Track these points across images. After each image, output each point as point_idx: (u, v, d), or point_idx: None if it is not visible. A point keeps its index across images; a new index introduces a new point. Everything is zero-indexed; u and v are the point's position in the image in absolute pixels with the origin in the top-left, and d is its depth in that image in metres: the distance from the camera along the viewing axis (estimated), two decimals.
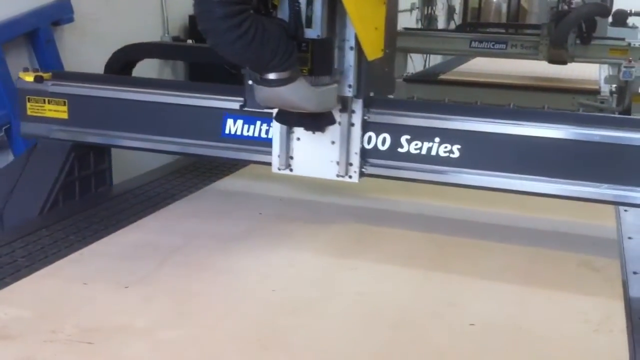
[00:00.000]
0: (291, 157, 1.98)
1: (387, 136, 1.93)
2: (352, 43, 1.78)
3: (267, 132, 2.07)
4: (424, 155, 1.92)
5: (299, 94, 1.69)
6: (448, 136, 1.90)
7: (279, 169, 2.01)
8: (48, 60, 2.91)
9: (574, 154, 1.81)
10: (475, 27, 8.22)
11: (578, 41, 5.17)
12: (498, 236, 2.04)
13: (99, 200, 2.29)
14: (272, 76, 1.64)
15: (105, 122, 2.26)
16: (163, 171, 2.62)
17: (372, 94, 1.92)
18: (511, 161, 1.86)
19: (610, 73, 5.63)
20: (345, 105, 1.88)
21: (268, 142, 2.04)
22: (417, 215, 2.22)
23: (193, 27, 3.89)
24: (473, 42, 5.76)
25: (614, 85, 5.31)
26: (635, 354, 1.38)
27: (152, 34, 3.69)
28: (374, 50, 1.80)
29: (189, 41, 3.83)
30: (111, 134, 2.27)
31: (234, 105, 2.08)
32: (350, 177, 1.94)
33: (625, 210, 2.24)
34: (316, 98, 1.74)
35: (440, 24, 9.73)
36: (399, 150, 1.93)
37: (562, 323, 1.54)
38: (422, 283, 1.74)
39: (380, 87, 1.94)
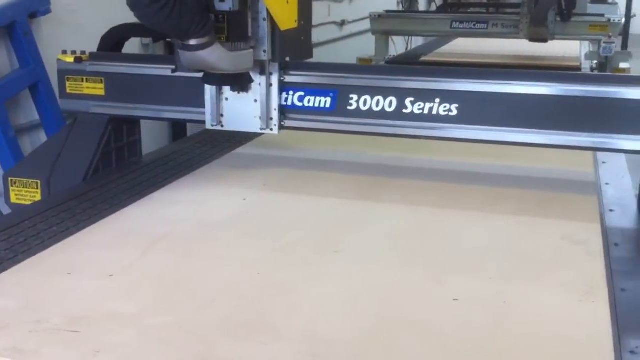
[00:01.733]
0: (222, 115, 2.29)
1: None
2: (265, 15, 2.07)
3: (286, 100, 2.32)
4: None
5: (215, 56, 2.00)
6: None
7: (212, 126, 2.32)
8: (26, 52, 2.91)
9: (557, 107, 2.07)
10: (456, 7, 8.25)
11: (558, 19, 5.20)
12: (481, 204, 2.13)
13: (76, 192, 2.32)
14: (192, 42, 1.97)
15: (138, 96, 2.53)
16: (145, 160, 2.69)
17: (288, 59, 2.19)
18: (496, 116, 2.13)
19: (591, 49, 5.68)
20: (263, 68, 2.20)
21: (288, 109, 2.33)
22: (401, 190, 2.29)
23: None
24: (454, 23, 5.78)
25: (595, 62, 5.36)
26: (617, 323, 1.43)
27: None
28: (286, 21, 2.09)
29: None
30: (142, 107, 2.54)
31: None
32: (271, 129, 2.28)
33: (607, 184, 2.37)
34: (231, 60, 2.04)
35: (422, 5, 9.75)
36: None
37: (546, 295, 1.57)
38: (406, 260, 1.78)
39: (297, 54, 2.23)
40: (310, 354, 1.34)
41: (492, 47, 5.92)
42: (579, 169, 2.43)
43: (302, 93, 2.27)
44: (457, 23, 5.79)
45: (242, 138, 2.82)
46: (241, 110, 2.27)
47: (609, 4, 8.58)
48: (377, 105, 2.18)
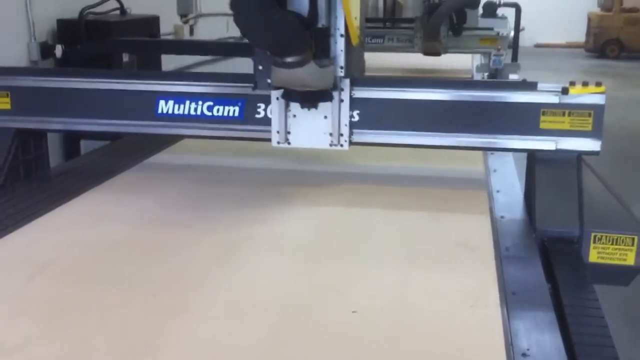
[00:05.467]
0: (288, 132, 2.34)
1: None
2: (342, 31, 2.19)
3: (195, 109, 2.45)
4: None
5: (309, 73, 2.10)
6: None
7: (279, 143, 2.37)
8: None
9: (450, 111, 2.31)
10: None
11: (450, 33, 5.57)
12: (380, 218, 2.24)
13: None
14: (290, 59, 2.04)
15: (45, 109, 2.57)
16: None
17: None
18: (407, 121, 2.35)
19: (482, 62, 6.11)
20: (335, 84, 2.27)
21: (198, 118, 2.46)
22: (297, 200, 2.39)
23: (63, 31, 3.96)
24: None
25: (486, 74, 5.78)
26: (509, 325, 1.56)
27: (15, 39, 3.70)
28: (355, 37, 2.21)
29: (58, 46, 3.89)
30: (49, 120, 2.59)
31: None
32: (341, 145, 2.34)
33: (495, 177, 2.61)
34: (322, 77, 2.15)
35: None
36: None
37: (441, 301, 1.66)
38: (304, 272, 1.83)
39: (358, 70, 2.38)
40: None
41: (388, 61, 6.23)
42: (472, 177, 2.59)
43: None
44: None
45: (135, 156, 2.85)
46: (310, 127, 2.32)
47: (499, 18, 9.13)
48: None
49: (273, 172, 2.71)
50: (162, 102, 2.47)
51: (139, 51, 4.36)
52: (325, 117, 2.31)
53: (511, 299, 1.67)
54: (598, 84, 2.20)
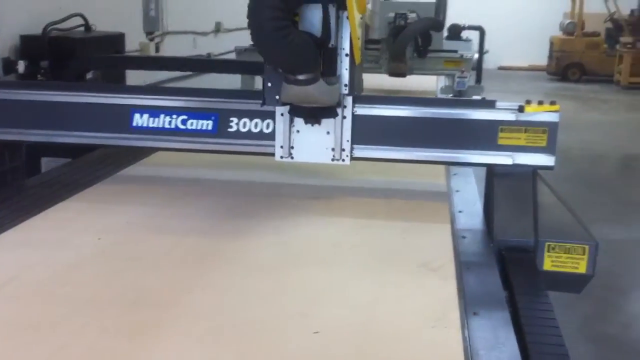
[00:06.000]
0: (292, 147, 2.45)
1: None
2: (347, 51, 2.31)
3: (169, 122, 2.55)
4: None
5: (319, 90, 2.23)
6: None
7: (282, 157, 2.47)
8: None
9: (417, 127, 2.45)
10: None
11: (415, 54, 5.74)
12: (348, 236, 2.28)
13: None
14: (302, 77, 2.17)
15: (21, 121, 2.65)
16: None
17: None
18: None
19: (446, 83, 6.29)
20: (339, 101, 2.40)
21: (172, 131, 2.56)
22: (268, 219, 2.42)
23: (26, 47, 3.99)
24: None
25: (450, 95, 5.95)
26: (469, 345, 1.62)
27: None
28: (358, 56, 2.35)
29: (21, 62, 3.90)
30: (26, 132, 2.66)
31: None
32: (343, 160, 2.45)
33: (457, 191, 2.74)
34: (330, 94, 2.28)
35: None
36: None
37: (403, 323, 1.69)
38: (268, 294, 1.84)
39: (358, 88, 2.51)
40: None
41: None
42: (435, 198, 2.65)
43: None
44: None
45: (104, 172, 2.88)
46: (313, 142, 2.44)
47: (463, 40, 9.37)
48: None
49: (243, 185, 2.79)
50: (137, 115, 2.55)
51: (133, 67, 4.42)
52: (328, 132, 2.42)
53: (472, 319, 1.73)
54: (552, 103, 2.35)
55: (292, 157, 2.47)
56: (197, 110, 2.53)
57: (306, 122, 2.40)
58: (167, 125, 2.54)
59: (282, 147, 2.46)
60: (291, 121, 2.43)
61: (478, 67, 8.80)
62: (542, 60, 21.33)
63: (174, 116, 2.52)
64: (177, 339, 1.59)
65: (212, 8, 8.95)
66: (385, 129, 2.47)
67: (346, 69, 2.33)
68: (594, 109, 15.12)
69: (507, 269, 2.09)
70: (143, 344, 1.56)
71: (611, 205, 8.06)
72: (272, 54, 2.13)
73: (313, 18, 2.18)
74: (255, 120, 2.48)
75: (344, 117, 2.41)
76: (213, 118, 2.50)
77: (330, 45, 2.27)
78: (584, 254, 2.15)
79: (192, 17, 8.28)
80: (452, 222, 2.42)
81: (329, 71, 2.28)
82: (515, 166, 2.35)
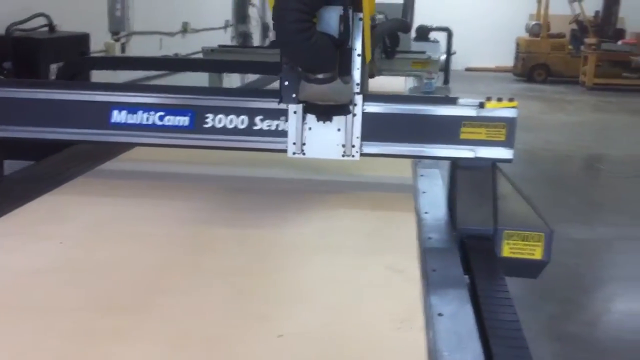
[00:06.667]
0: (304, 144, 2.56)
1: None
2: (359, 51, 2.43)
3: (147, 119, 2.66)
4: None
5: (337, 89, 2.37)
6: None
7: (294, 154, 2.58)
8: None
9: (385, 123, 2.58)
10: None
11: (383, 55, 5.90)
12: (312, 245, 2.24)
13: None
14: (321, 76, 2.29)
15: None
16: None
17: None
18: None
19: (414, 84, 6.47)
20: (351, 99, 2.52)
21: (150, 127, 2.66)
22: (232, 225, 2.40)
23: None
24: None
25: None
26: (434, 347, 1.64)
27: None
28: (368, 56, 2.49)
29: None
30: (5, 129, 2.74)
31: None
32: (353, 156, 2.57)
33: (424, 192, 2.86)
34: (346, 92, 2.42)
35: (256, 40, 10.34)
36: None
37: (368, 325, 1.68)
38: (233, 299, 1.81)
39: (365, 85, 2.63)
40: None
41: None
42: (401, 201, 2.67)
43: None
44: None
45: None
46: (324, 139, 2.55)
47: (431, 42, 9.60)
48: None
49: (209, 179, 2.87)
50: (115, 112, 2.67)
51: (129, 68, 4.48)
52: (339, 129, 2.54)
53: (437, 320, 1.77)
54: (511, 100, 2.53)
55: (304, 154, 2.58)
56: (174, 107, 2.65)
57: (318, 120, 2.52)
58: (144, 122, 2.65)
59: (294, 143, 2.57)
60: (304, 119, 2.55)
61: (446, 68, 9.03)
62: (508, 61, 21.75)
63: (152, 112, 2.64)
64: (142, 345, 1.56)
65: (179, 8, 9.03)
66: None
67: (358, 69, 2.45)
68: (559, 110, 15.47)
69: (468, 255, 2.26)
70: (107, 351, 1.53)
71: (576, 206, 8.31)
72: (296, 54, 2.25)
73: (330, 19, 2.28)
74: (231, 116, 2.62)
75: (354, 115, 2.53)
76: (189, 114, 2.63)
77: (347, 46, 2.39)
78: (539, 242, 2.32)
79: (159, 17, 8.34)
80: (419, 222, 2.48)
81: (344, 70, 2.40)
82: (477, 159, 2.50)
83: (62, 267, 1.98)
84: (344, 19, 2.30)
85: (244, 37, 9.33)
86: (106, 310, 1.72)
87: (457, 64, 18.98)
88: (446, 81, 8.89)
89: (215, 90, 2.87)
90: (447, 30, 8.88)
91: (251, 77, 8.75)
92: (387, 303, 1.79)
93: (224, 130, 2.63)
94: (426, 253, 2.22)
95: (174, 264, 2.03)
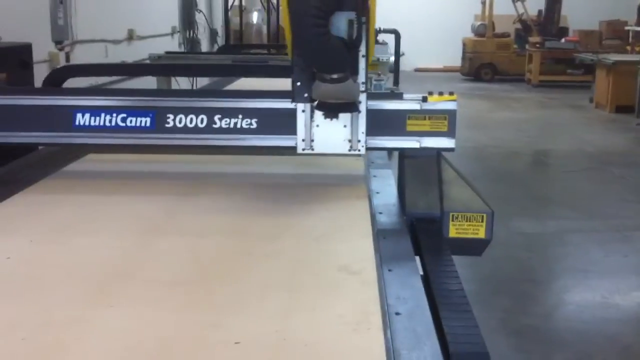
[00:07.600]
0: (312, 140, 2.75)
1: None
2: (364, 52, 2.62)
3: (110, 121, 2.81)
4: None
5: (349, 88, 2.54)
6: None
7: (303, 150, 2.76)
8: None
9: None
10: (238, 48, 9.04)
11: None
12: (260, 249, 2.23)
13: None
14: (335, 76, 2.48)
15: None
16: None
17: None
18: None
19: None
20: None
21: (113, 129, 2.81)
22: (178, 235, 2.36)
23: None
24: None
25: None
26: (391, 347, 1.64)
27: None
28: (371, 57, 2.64)
29: None
30: None
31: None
32: (358, 150, 2.75)
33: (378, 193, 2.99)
34: (355, 91, 2.58)
35: (204, 46, 10.47)
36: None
37: (323, 328, 1.67)
38: (184, 309, 1.78)
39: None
40: None
41: (272, 85, 6.62)
42: (355, 200, 2.75)
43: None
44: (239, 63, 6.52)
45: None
46: (331, 135, 2.73)
47: (379, 44, 9.84)
48: None
49: (165, 178, 2.98)
50: (79, 115, 2.81)
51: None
52: (345, 126, 2.73)
53: (394, 319, 1.78)
54: (451, 93, 2.77)
55: (312, 149, 2.78)
56: (135, 108, 2.80)
57: (326, 117, 2.72)
58: (107, 124, 2.80)
59: (303, 140, 2.76)
60: (312, 116, 2.74)
61: (395, 69, 9.25)
62: (456, 61, 22.26)
63: (114, 114, 2.79)
64: (90, 357, 1.53)
65: (124, 15, 9.08)
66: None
67: (363, 69, 2.65)
68: (506, 108, 15.93)
69: (417, 237, 2.48)
70: None
71: (524, 200, 8.61)
72: (314, 55, 2.48)
73: (340, 24, 2.50)
74: (190, 116, 2.81)
75: (359, 112, 2.72)
76: (150, 115, 2.79)
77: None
78: (482, 222, 2.57)
79: (104, 25, 8.40)
80: (373, 223, 2.54)
81: (354, 70, 2.61)
82: (422, 149, 2.73)
83: (5, 279, 1.96)
84: (359, 24, 2.51)
85: (191, 44, 9.46)
86: (50, 325, 1.67)
87: (406, 65, 19.39)
88: (396, 82, 9.12)
89: (176, 92, 3.04)
90: (395, 32, 9.10)
91: (201, 83, 8.91)
92: (341, 305, 1.79)
93: (184, 130, 2.80)
94: (379, 237, 2.38)
95: (120, 274, 2.00)
